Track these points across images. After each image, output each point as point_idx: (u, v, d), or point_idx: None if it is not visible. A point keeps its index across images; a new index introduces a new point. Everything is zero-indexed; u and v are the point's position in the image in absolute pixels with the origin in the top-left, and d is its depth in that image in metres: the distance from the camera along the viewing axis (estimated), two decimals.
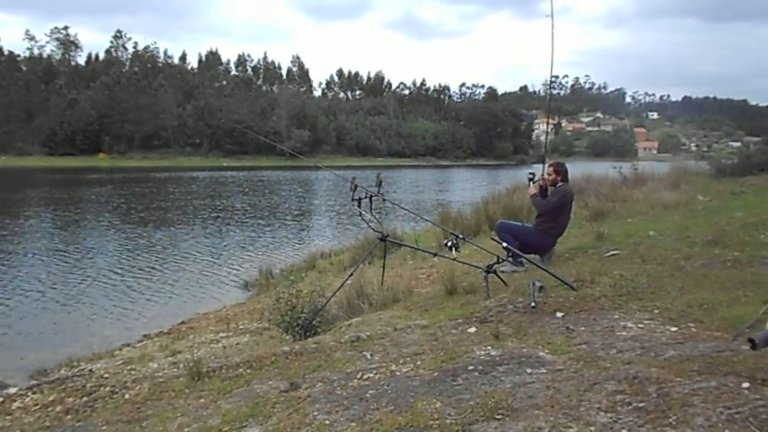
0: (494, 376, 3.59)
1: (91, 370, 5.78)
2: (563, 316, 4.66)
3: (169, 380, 4.46)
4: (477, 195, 17.74)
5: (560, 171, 6.75)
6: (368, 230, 7.12)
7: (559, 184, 6.71)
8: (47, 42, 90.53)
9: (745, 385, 3.04)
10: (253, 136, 62.54)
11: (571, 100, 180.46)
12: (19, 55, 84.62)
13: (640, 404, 2.98)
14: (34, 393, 4.83)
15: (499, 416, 3.03)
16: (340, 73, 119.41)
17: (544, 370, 3.60)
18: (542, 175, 7.08)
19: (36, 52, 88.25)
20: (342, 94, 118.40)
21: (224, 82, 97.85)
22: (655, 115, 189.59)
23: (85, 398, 4.37)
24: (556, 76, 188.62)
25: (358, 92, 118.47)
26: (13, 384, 5.88)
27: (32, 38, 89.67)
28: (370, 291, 6.28)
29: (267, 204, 30.04)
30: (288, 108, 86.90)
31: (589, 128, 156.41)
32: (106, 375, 5.32)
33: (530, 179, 7.07)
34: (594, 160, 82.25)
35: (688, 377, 3.23)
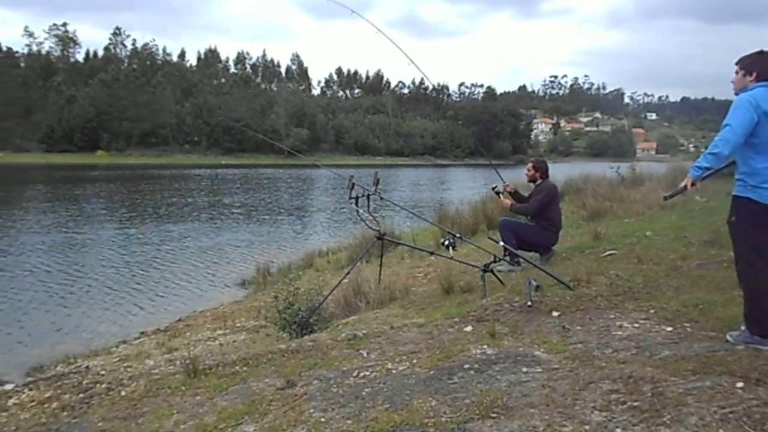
0: (490, 375, 3.60)
1: (87, 367, 5.79)
2: (559, 315, 4.68)
3: (166, 377, 4.46)
4: (475, 194, 17.74)
5: (539, 168, 6.77)
6: (365, 229, 7.13)
7: (539, 181, 6.74)
8: (46, 38, 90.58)
9: (740, 384, 3.06)
10: (252, 134, 62.53)
11: (569, 101, 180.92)
12: (17, 52, 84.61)
13: (635, 403, 3.00)
14: (30, 389, 4.84)
15: (495, 415, 3.04)
16: (339, 71, 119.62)
17: (540, 369, 3.61)
18: (505, 183, 7.07)
19: (35, 48, 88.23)
20: (341, 93, 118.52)
21: (223, 80, 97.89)
22: (653, 116, 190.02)
23: (81, 395, 4.37)
24: (555, 76, 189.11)
25: (357, 91, 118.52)
26: (9, 380, 5.88)
27: (31, 35, 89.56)
28: (367, 289, 6.29)
29: (265, 202, 30.03)
30: (287, 106, 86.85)
31: (588, 128, 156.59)
32: (102, 372, 5.33)
33: (496, 192, 7.04)
34: (592, 161, 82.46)
35: (682, 377, 3.24)
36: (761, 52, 3.62)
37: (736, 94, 3.67)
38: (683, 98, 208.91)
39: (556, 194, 6.74)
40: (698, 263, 5.79)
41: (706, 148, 3.69)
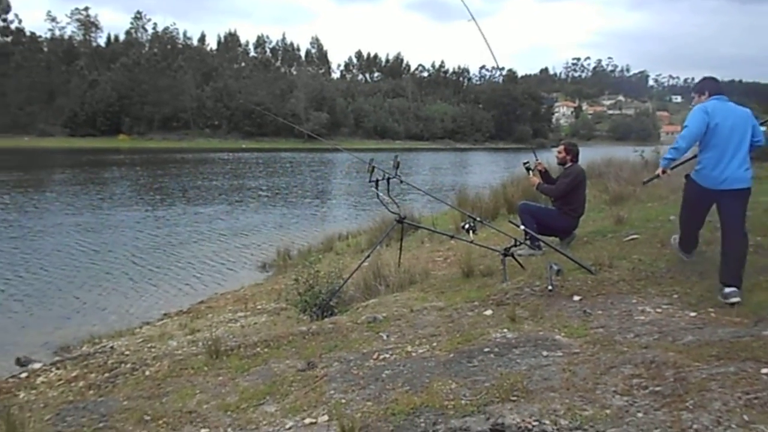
0: (510, 359, 3.60)
1: (112, 347, 5.90)
2: (580, 299, 4.65)
3: (188, 358, 4.54)
4: (495, 178, 17.63)
5: (570, 151, 6.66)
6: (385, 212, 7.12)
7: (569, 164, 6.64)
8: (68, 23, 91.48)
9: (765, 370, 3.02)
10: (272, 118, 62.62)
11: (592, 83, 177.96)
12: (40, 36, 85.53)
13: (657, 388, 2.97)
14: (57, 369, 4.95)
15: (515, 398, 3.05)
16: (358, 55, 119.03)
17: (561, 353, 3.60)
18: (537, 160, 7.00)
19: (57, 33, 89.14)
20: (360, 77, 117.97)
21: (243, 64, 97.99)
22: (679, 99, 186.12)
23: (106, 374, 4.46)
24: (578, 58, 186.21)
25: (376, 74, 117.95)
26: (37, 359, 6.03)
27: (53, 19, 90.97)
28: (386, 273, 6.30)
29: (285, 185, 30.16)
30: (306, 90, 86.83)
31: (611, 111, 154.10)
32: (126, 352, 5.42)
33: (527, 168, 6.98)
34: (615, 144, 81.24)
35: (706, 362, 3.21)
36: (706, 78, 4.95)
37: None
38: None
39: (583, 179, 6.64)
40: None
41: None
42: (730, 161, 4.56)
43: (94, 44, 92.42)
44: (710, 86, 4.82)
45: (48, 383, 4.53)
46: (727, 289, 4.29)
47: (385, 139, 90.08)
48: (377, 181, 5.92)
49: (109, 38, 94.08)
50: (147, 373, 4.32)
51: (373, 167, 5.82)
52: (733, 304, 4.19)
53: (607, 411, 2.82)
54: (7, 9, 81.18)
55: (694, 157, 4.86)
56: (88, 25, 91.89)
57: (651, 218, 7.62)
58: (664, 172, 4.84)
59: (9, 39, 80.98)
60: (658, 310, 4.24)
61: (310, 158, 53.64)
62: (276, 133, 78.68)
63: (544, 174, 6.85)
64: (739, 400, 2.76)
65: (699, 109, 4.63)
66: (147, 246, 13.88)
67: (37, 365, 5.31)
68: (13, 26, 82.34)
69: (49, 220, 17.36)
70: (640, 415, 2.76)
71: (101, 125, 75.70)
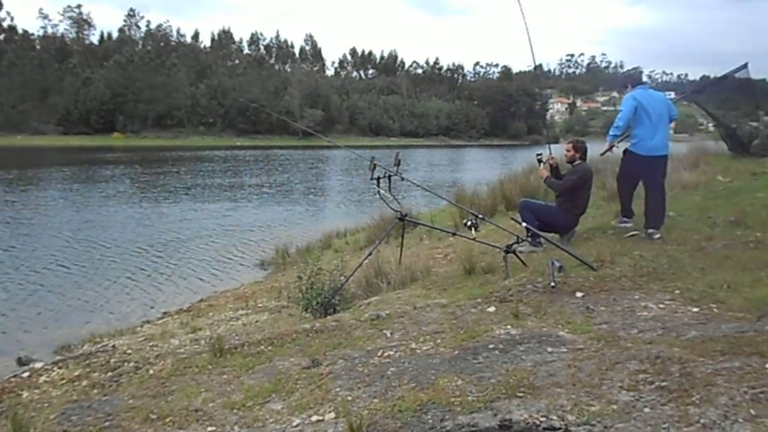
0: (515, 355, 3.61)
1: (114, 346, 5.88)
2: (583, 296, 4.66)
3: (192, 356, 4.53)
4: (492, 175, 17.64)
5: (579, 148, 6.65)
6: (383, 209, 7.11)
7: (577, 162, 6.64)
8: (60, 21, 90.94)
9: None
10: (266, 115, 62.52)
11: (586, 80, 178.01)
12: (33, 34, 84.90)
13: (663, 383, 2.99)
14: (59, 368, 4.94)
15: (521, 394, 3.06)
16: (353, 51, 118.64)
17: (565, 349, 3.61)
18: (550, 155, 7.01)
19: (50, 30, 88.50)
20: (355, 73, 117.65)
21: (237, 61, 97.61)
22: (672, 95, 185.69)
23: (110, 373, 4.45)
24: (572, 55, 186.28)
25: (371, 71, 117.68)
26: (38, 359, 6.02)
27: (46, 17, 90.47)
28: (387, 270, 6.31)
29: (282, 182, 30.12)
30: (301, 87, 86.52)
31: (605, 108, 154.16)
32: (129, 351, 5.41)
33: (539, 160, 7.00)
34: None
35: (711, 357, 3.23)
36: (629, 72, 7.95)
37: None
38: (702, 76, 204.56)
39: (590, 178, 6.64)
40: (724, 244, 5.73)
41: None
42: (655, 134, 6.19)
43: (87, 42, 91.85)
44: (632, 80, 6.53)
45: (51, 382, 4.52)
46: (651, 230, 6.14)
47: (380, 136, 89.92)
48: (379, 178, 5.91)
49: (102, 36, 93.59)
50: (151, 371, 4.32)
51: (375, 165, 5.82)
52: (658, 237, 6.03)
53: (614, 406, 2.83)
54: None
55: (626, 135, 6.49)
56: (81, 22, 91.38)
57: None
58: (611, 146, 6.59)
59: (1, 37, 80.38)
60: (661, 305, 4.26)
61: (306, 155, 53.56)
62: (270, 131, 78.50)
63: (554, 169, 6.84)
64: (745, 394, 2.78)
65: (629, 97, 6.25)
66: (146, 244, 13.85)
67: (38, 364, 5.28)
68: (5, 24, 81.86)
69: (47, 219, 17.31)
70: (647, 410, 2.77)
71: (95, 123, 75.28)
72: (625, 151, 6.47)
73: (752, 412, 2.63)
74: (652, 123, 6.14)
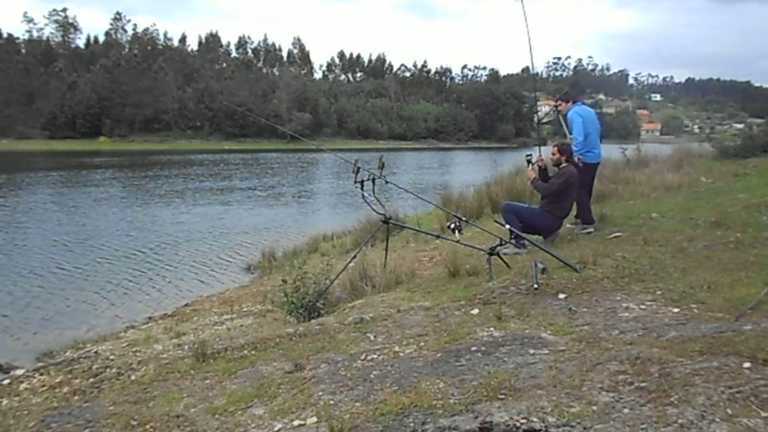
0: (497, 357, 3.62)
1: (96, 352, 5.84)
2: (566, 297, 4.69)
3: (175, 362, 4.50)
4: (479, 177, 17.71)
5: (565, 151, 6.70)
6: (370, 213, 7.13)
7: (563, 165, 6.68)
8: (46, 24, 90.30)
9: (747, 365, 3.06)
10: (254, 118, 62.29)
11: (573, 83, 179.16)
12: (18, 38, 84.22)
13: (642, 384, 3.01)
14: (41, 374, 4.89)
15: (503, 396, 3.06)
16: (341, 55, 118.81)
17: (547, 351, 3.63)
18: (540, 156, 7.06)
19: (35, 34, 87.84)
20: (343, 77, 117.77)
21: (224, 65, 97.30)
22: (658, 97, 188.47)
23: (91, 379, 4.42)
24: (559, 58, 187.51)
25: (359, 74, 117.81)
26: (19, 365, 5.95)
27: (31, 20, 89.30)
28: (373, 273, 6.31)
29: (270, 186, 30.04)
30: (289, 90, 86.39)
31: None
32: (111, 357, 5.37)
33: (528, 161, 7.04)
34: None
35: (689, 357, 3.25)
36: (568, 90, 6.67)
37: (566, 113, 7.05)
38: (688, 79, 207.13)
39: (575, 181, 6.68)
40: (704, 244, 5.79)
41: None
42: (596, 143, 7.06)
43: (72, 46, 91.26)
44: (572, 95, 7.12)
45: (31, 389, 4.48)
46: (587, 225, 6.96)
47: (369, 139, 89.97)
48: (363, 181, 5.91)
49: (88, 39, 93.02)
50: (133, 377, 4.29)
51: (359, 168, 5.82)
52: (590, 232, 6.82)
53: (594, 407, 2.85)
54: None
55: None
56: (67, 26, 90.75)
57: (633, 216, 7.73)
58: (579, 159, 6.85)
59: None
60: (642, 306, 4.29)
61: (294, 159, 53.45)
62: (258, 134, 78.25)
63: (543, 171, 6.88)
64: (722, 394, 2.80)
65: (575, 113, 6.90)
66: (132, 249, 13.74)
67: (19, 371, 5.23)
68: None
69: (34, 224, 17.13)
70: (626, 410, 2.79)
71: (81, 127, 74.66)
72: (579, 162, 6.89)
73: (729, 411, 2.66)
74: (593, 134, 6.97)
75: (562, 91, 7.52)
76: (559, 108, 7.24)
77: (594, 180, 7.34)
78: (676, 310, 4.15)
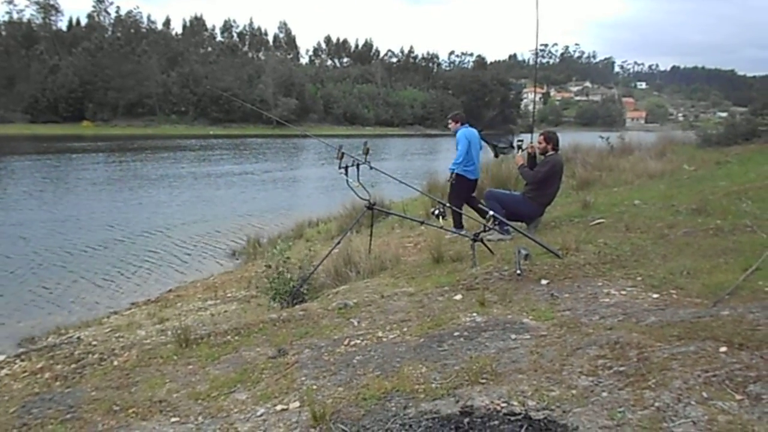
0: (479, 342, 3.65)
1: (79, 338, 5.81)
2: (548, 283, 4.73)
3: (158, 347, 4.49)
4: None
5: (551, 140, 6.73)
6: (355, 199, 7.12)
7: (550, 153, 6.70)
8: (27, 6, 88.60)
9: (723, 349, 3.11)
10: (240, 104, 61.74)
11: (560, 70, 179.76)
12: None
13: (621, 368, 3.05)
14: (22, 360, 4.85)
15: (484, 380, 3.09)
16: (327, 40, 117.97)
17: (528, 336, 3.66)
18: (530, 143, 7.06)
19: (15, 16, 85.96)
20: (329, 62, 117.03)
21: (209, 49, 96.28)
22: (643, 85, 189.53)
23: (73, 365, 4.39)
24: (545, 45, 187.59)
25: (345, 60, 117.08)
26: (1, 351, 5.90)
27: (11, 2, 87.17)
28: (357, 259, 6.32)
29: (255, 171, 29.86)
30: (275, 76, 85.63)
31: (578, 98, 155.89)
32: (94, 342, 5.34)
33: (519, 146, 7.06)
34: (582, 130, 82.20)
35: (668, 342, 3.30)
36: (459, 113, 8.01)
37: (455, 132, 7.67)
38: (673, 67, 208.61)
39: (560, 170, 6.72)
40: (685, 231, 5.85)
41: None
42: (476, 162, 7.59)
43: (54, 28, 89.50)
44: (462, 118, 7.76)
45: (12, 375, 4.44)
46: (459, 228, 7.07)
47: (355, 125, 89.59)
48: (347, 167, 5.90)
49: (70, 22, 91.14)
50: (115, 363, 4.26)
51: (343, 153, 5.80)
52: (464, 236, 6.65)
53: (573, 391, 2.88)
54: None
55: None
56: (48, 8, 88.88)
57: (616, 203, 7.80)
58: (452, 175, 7.48)
59: None
60: (623, 292, 4.34)
61: (280, 144, 53.15)
62: (244, 119, 77.64)
63: (532, 158, 6.88)
64: (698, 378, 2.85)
65: (462, 134, 7.52)
66: (116, 234, 13.64)
67: (0, 357, 5.19)
68: None
69: (10, 209, 16.91)
70: (604, 394, 2.83)
71: (63, 111, 73.56)
72: (458, 176, 7.45)
73: (704, 395, 2.70)
74: (474, 153, 7.54)
75: (455, 113, 8.09)
76: (449, 126, 7.88)
77: (473, 192, 7.67)
78: (656, 295, 4.20)
